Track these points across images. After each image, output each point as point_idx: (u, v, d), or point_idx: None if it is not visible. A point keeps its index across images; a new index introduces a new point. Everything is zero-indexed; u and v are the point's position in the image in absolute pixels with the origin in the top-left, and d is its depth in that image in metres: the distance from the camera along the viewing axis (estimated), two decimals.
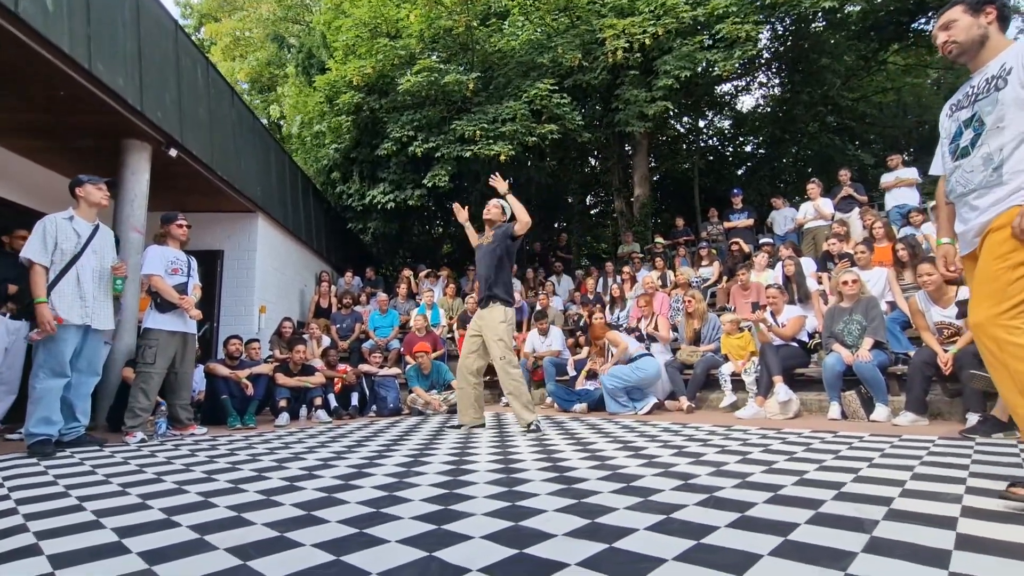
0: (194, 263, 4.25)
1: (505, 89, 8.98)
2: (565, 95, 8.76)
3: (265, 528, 1.59)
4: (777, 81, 13.42)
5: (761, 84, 13.57)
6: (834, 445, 2.91)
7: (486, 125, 8.50)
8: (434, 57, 9.35)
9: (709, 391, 5.48)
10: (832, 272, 6.24)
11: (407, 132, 8.88)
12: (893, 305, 5.04)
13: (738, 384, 5.10)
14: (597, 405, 5.39)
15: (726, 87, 13.21)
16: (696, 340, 5.72)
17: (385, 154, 9.14)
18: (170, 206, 6.65)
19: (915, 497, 1.77)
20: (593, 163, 16.01)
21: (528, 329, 7.71)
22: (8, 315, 4.14)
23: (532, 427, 3.73)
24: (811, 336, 5.21)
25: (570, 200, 15.57)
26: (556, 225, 16.04)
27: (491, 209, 4.28)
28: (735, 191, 8.85)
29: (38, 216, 5.08)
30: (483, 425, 4.14)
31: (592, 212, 17.44)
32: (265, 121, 17.11)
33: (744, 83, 13.22)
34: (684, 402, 5.14)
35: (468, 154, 8.44)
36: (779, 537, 1.40)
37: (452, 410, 5.50)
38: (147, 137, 4.73)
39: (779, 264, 6.52)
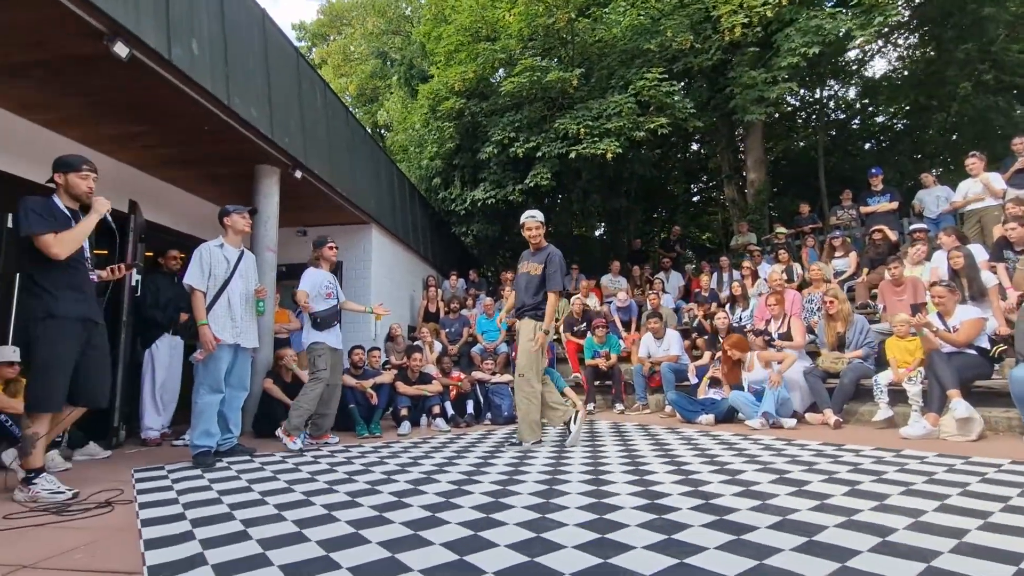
0: (338, 283, 4.46)
1: (608, 81, 8.61)
2: (675, 83, 8.22)
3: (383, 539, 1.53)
4: (915, 39, 11.70)
5: (896, 45, 11.93)
6: None
7: (590, 123, 8.20)
8: (532, 55, 9.20)
9: (858, 403, 4.83)
10: (1010, 263, 5.26)
11: (508, 134, 8.83)
12: None
13: (895, 396, 4.44)
14: (725, 416, 4.97)
15: (852, 53, 11.77)
16: (840, 345, 5.08)
17: (486, 157, 9.18)
18: (295, 223, 7.16)
19: None
20: (697, 148, 15.09)
21: (639, 331, 7.36)
22: (173, 333, 4.61)
23: (520, 442, 3.86)
24: (993, 341, 4.39)
25: (670, 189, 14.80)
26: (656, 217, 15.34)
27: (530, 228, 4.08)
28: (873, 170, 7.77)
29: (186, 238, 5.70)
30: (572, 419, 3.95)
31: (694, 200, 16.47)
32: (373, 130, 18.10)
33: (876, 46, 11.68)
34: (829, 415, 4.57)
35: (573, 154, 8.21)
36: None
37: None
38: (276, 161, 5.05)
39: (936, 255, 5.62)
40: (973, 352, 4.29)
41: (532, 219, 4.07)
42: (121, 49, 3.21)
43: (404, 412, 5.00)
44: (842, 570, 1.52)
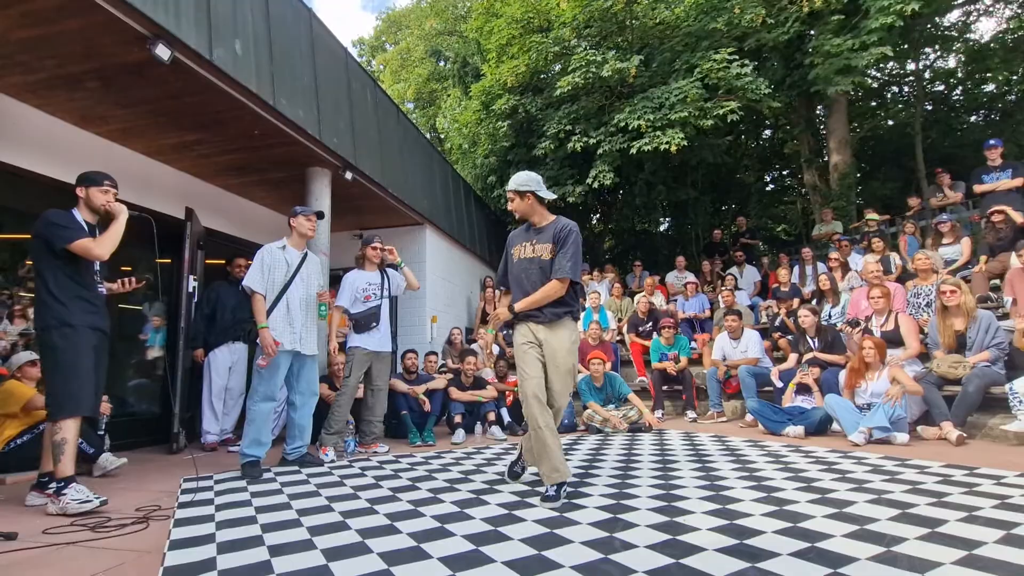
0: (389, 280, 4.25)
1: (671, 66, 8.00)
2: (746, 62, 7.50)
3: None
4: None
5: (1008, 1, 10.45)
6: None
7: (651, 115, 7.64)
8: (586, 46, 8.74)
9: (987, 414, 4.09)
10: None
11: (564, 127, 8.44)
12: None
13: None
14: (817, 428, 4.36)
15: (955, 14, 10.43)
16: (959, 347, 4.33)
17: (543, 153, 8.82)
18: (349, 226, 7.15)
19: None
20: (770, 134, 14.01)
21: (714, 332, 6.77)
22: (239, 340, 4.62)
23: (551, 495, 2.47)
24: None
25: (739, 178, 13.78)
26: (724, 208, 14.37)
27: (512, 201, 2.87)
28: (991, 143, 6.71)
29: (245, 244, 5.76)
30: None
31: (767, 189, 15.28)
32: (429, 135, 18.25)
33: (984, 4, 10.28)
34: (949, 429, 3.87)
35: (633, 150, 7.68)
36: None
37: (634, 428, 4.92)
38: (326, 163, 4.97)
39: None
40: None
41: (508, 188, 2.89)
42: (163, 52, 3.16)
43: (458, 419, 4.77)
44: None
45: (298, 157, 4.80)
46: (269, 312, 3.44)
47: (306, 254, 3.73)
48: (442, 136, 17.02)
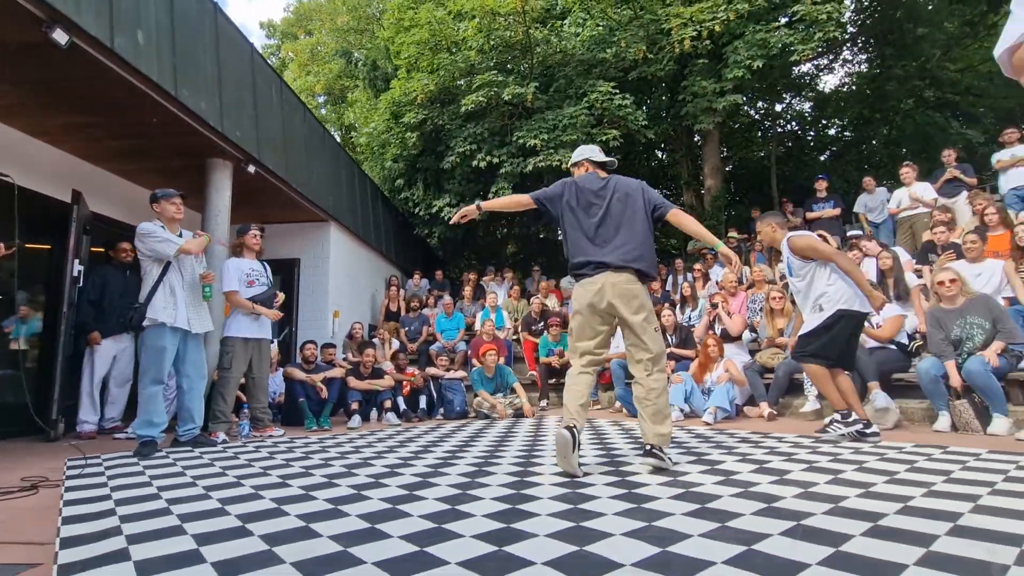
0: (268, 270, 4.48)
1: (567, 90, 8.83)
2: (627, 96, 8.49)
3: (356, 520, 1.60)
4: (864, 57, 12.33)
5: (845, 61, 12.54)
6: (944, 464, 2.58)
7: (546, 136, 8.40)
8: (492, 66, 9.35)
9: (792, 396, 5.09)
10: (934, 265, 5.61)
11: (470, 146, 8.97)
12: (1012, 301, 4.44)
13: None
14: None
15: (805, 67, 12.31)
16: (779, 344, 5.34)
17: (450, 167, 9.29)
18: (251, 219, 7.06)
19: None
20: (660, 156, 15.47)
21: None
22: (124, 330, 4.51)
23: (661, 459, 2.56)
24: (912, 338, 4.70)
25: None
26: None
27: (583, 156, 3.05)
28: (819, 177, 8.17)
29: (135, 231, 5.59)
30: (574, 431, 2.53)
31: None
32: (339, 130, 17.95)
33: (826, 61, 12.25)
34: (765, 408, 4.80)
35: (530, 167, 8.37)
36: None
37: (517, 414, 5.47)
38: (228, 155, 5.04)
39: (865, 260, 5.95)
40: (894, 347, 4.59)
41: (572, 163, 3.12)
42: (60, 36, 3.19)
43: (355, 406, 5.03)
44: (722, 528, 1.66)
45: (198, 147, 4.83)
46: (152, 293, 3.54)
47: (181, 234, 3.79)
48: (353, 133, 16.88)
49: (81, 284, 4.46)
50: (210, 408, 4.02)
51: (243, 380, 4.33)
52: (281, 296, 4.46)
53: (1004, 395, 3.63)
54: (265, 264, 4.47)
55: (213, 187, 5.07)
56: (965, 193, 6.65)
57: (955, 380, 3.73)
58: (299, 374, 5.02)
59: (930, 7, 9.71)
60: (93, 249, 4.83)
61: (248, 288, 4.22)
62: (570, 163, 3.15)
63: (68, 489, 2.43)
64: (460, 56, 9.31)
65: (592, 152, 3.08)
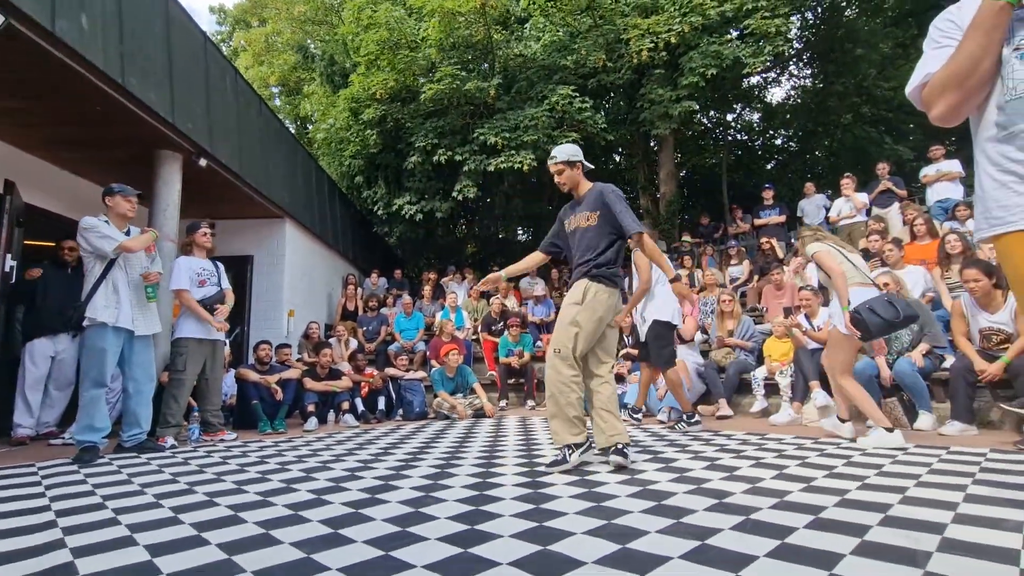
0: (222, 269, 4.33)
1: (528, 93, 8.91)
2: (587, 98, 8.63)
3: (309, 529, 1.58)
4: (809, 72, 13.02)
5: (792, 75, 13.19)
6: (877, 458, 2.78)
7: (507, 134, 8.44)
8: (455, 63, 9.33)
9: (741, 395, 5.33)
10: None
11: (431, 140, 8.90)
12: (934, 304, 4.81)
13: (772, 388, 4.95)
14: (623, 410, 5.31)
15: (755, 79, 12.86)
16: (728, 346, 5.58)
17: (410, 167, 9.20)
18: (202, 214, 6.79)
19: (972, 524, 1.66)
20: (618, 160, 15.81)
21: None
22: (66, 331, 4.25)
23: (561, 456, 2.64)
24: None
25: None
26: None
27: (561, 172, 2.97)
28: (766, 186, 8.59)
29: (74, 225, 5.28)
30: (588, 446, 2.73)
31: None
32: (294, 122, 17.41)
33: (774, 75, 12.85)
34: (721, 406, 5.01)
35: (491, 167, 8.39)
36: (823, 571, 1.32)
37: (477, 415, 5.49)
38: (178, 148, 4.83)
39: (809, 265, 6.30)
40: None
41: (552, 160, 2.98)
42: None
43: (311, 408, 4.92)
44: (678, 524, 1.75)
45: (146, 138, 4.61)
46: (94, 291, 3.37)
47: (128, 231, 3.64)
48: (309, 126, 16.42)
49: (14, 280, 4.18)
50: (159, 412, 3.85)
51: (195, 382, 4.17)
52: (230, 299, 4.30)
53: (929, 393, 3.94)
54: (218, 264, 4.31)
55: (162, 180, 4.85)
56: (897, 204, 7.13)
57: (885, 373, 4.02)
58: (253, 375, 4.87)
59: (867, 28, 10.33)
60: (32, 243, 4.54)
61: (199, 288, 4.06)
62: (567, 159, 2.95)
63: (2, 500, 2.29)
64: (421, 54, 9.23)
65: (580, 154, 3.02)
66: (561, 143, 8.55)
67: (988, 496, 1.98)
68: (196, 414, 4.20)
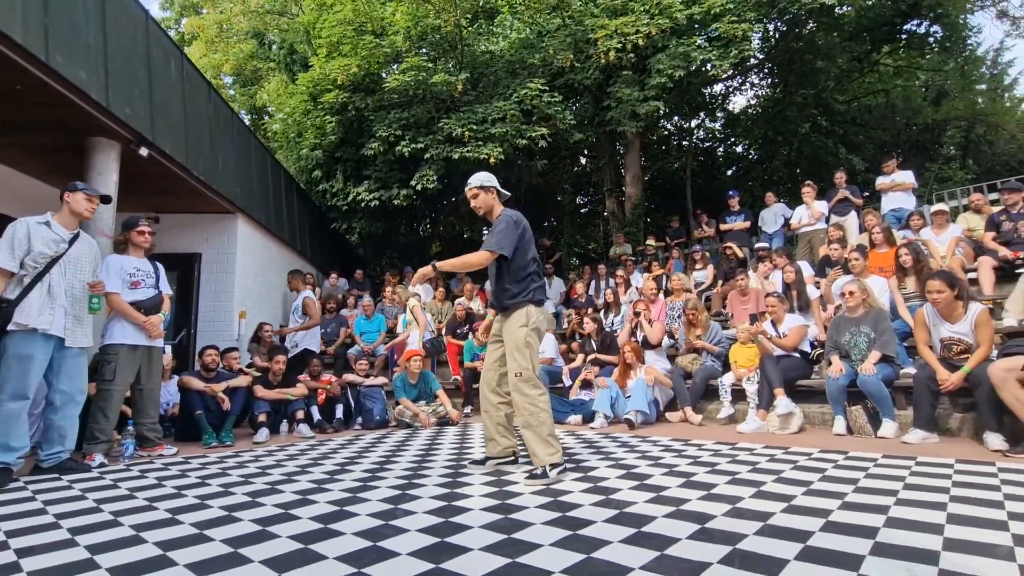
0: (162, 271, 3.96)
1: (495, 88, 8.72)
2: (556, 94, 8.52)
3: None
4: (769, 82, 13.34)
5: (753, 84, 13.48)
6: (850, 472, 2.74)
7: (475, 126, 8.23)
8: (422, 54, 9.05)
9: (708, 401, 5.31)
10: (824, 280, 6.09)
11: (394, 131, 8.59)
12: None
13: (738, 394, 4.93)
14: (592, 417, 5.19)
15: (718, 87, 13.09)
16: (696, 348, 5.56)
17: (371, 154, 8.83)
18: (145, 208, 6.34)
19: (965, 551, 1.59)
20: (584, 162, 15.83)
21: None
22: None
23: (541, 472, 2.70)
24: (813, 346, 5.05)
25: (560, 199, 15.38)
26: (545, 224, 15.85)
27: (476, 197, 3.11)
28: (731, 193, 8.70)
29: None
30: (515, 459, 3.09)
31: (583, 211, 17.27)
32: (249, 113, 16.66)
33: (736, 83, 13.10)
34: (689, 413, 4.96)
35: (457, 156, 8.16)
36: None
37: (442, 422, 5.28)
38: (114, 135, 4.43)
39: (774, 272, 6.36)
40: (798, 355, 4.90)
41: (468, 186, 3.12)
42: None
43: (262, 418, 4.59)
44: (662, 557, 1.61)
45: (76, 123, 4.20)
46: (26, 292, 3.02)
47: (78, 234, 3.34)
48: (266, 118, 15.73)
49: None
50: (86, 427, 3.48)
51: (129, 393, 3.80)
52: (166, 306, 3.95)
53: (892, 401, 3.98)
54: (156, 264, 3.94)
55: (95, 171, 4.44)
56: (855, 212, 7.31)
57: (835, 369, 4.12)
58: (197, 383, 4.50)
59: (824, 42, 10.64)
60: None
61: (131, 290, 3.69)
62: (481, 184, 3.11)
63: None
64: (386, 41, 8.89)
65: (494, 180, 3.18)
66: (531, 136, 8.43)
67: (971, 516, 1.93)
68: (130, 428, 3.83)
